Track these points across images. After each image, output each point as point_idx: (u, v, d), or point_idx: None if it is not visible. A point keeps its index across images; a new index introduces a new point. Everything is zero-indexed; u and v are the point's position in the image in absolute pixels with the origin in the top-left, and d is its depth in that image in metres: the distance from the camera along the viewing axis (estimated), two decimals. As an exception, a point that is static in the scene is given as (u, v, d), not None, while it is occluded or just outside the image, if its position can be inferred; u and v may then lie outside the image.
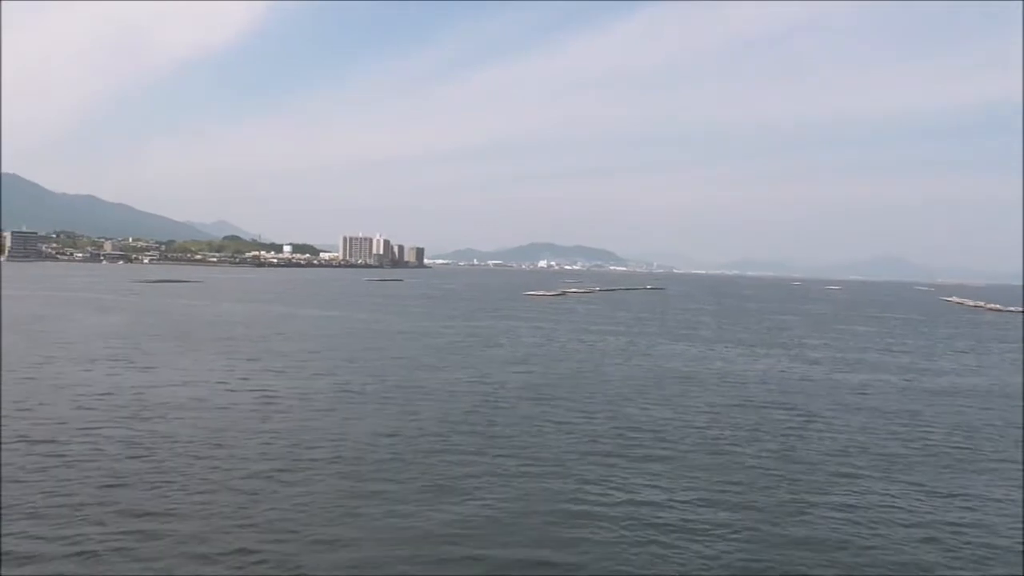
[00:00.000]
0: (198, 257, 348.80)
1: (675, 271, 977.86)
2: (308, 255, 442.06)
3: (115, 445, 18.82)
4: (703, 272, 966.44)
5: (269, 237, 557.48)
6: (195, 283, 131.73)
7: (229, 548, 12.61)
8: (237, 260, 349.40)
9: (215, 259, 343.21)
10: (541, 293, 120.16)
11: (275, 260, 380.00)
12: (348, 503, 14.97)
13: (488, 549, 12.90)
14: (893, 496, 16.47)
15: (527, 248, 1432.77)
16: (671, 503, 15.53)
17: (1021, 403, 29.34)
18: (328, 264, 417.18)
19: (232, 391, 26.90)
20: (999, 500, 16.52)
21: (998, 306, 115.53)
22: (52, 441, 18.96)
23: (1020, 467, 19.35)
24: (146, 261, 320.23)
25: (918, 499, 16.36)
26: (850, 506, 15.70)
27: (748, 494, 16.30)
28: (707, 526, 14.26)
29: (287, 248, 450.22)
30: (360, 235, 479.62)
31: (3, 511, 13.82)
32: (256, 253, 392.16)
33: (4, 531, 12.93)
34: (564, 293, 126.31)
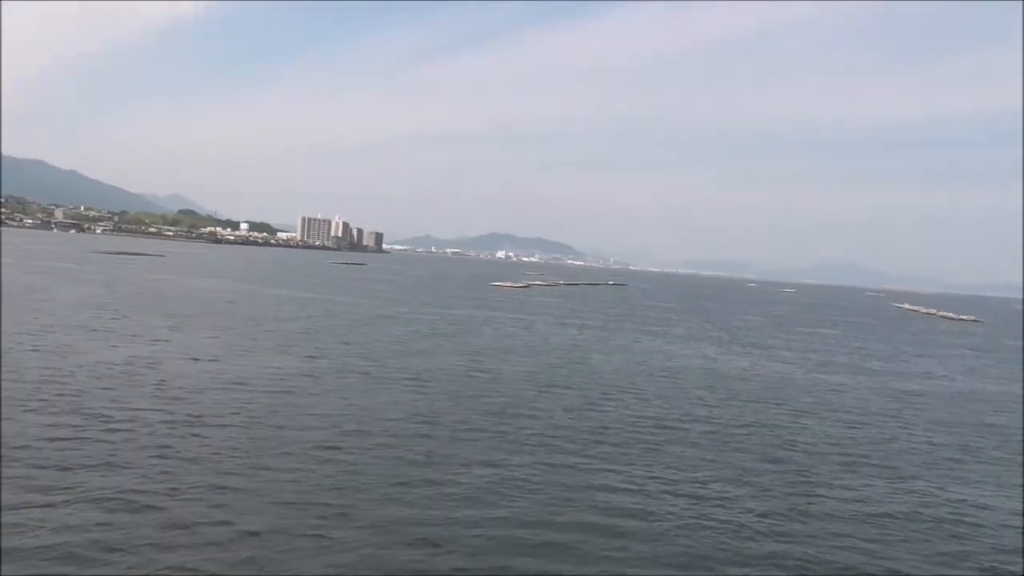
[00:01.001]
0: (152, 230, 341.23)
1: (631, 268, 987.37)
2: (265, 234, 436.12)
3: (166, 422, 19.25)
4: (659, 270, 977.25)
5: (225, 214, 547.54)
6: (157, 257, 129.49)
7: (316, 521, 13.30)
8: (193, 235, 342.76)
9: (171, 233, 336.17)
10: (508, 284, 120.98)
11: (232, 237, 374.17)
12: (407, 478, 15.77)
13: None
14: (892, 490, 17.82)
15: (486, 238, 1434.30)
16: (689, 490, 16.62)
17: (991, 405, 31.26)
18: (286, 244, 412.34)
19: (246, 367, 27.26)
20: (998, 491, 17.98)
21: (951, 314, 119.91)
22: (102, 416, 19.30)
23: (1016, 466, 20.95)
24: (99, 231, 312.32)
25: (912, 492, 17.73)
26: (855, 500, 16.95)
27: (761, 483, 17.49)
28: (726, 511, 15.36)
29: (244, 226, 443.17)
30: (319, 216, 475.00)
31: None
32: (213, 229, 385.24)
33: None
34: (529, 285, 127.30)
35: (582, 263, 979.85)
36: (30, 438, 16.41)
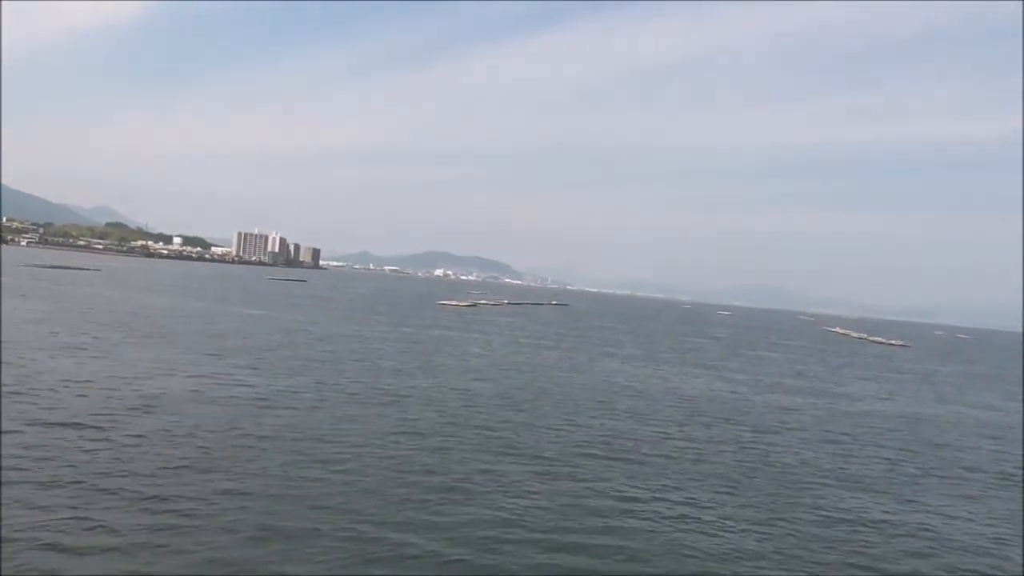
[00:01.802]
0: (81, 243, 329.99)
1: (569, 287, 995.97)
2: (199, 248, 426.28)
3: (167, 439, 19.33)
4: (595, 290, 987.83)
5: (156, 227, 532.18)
6: (93, 271, 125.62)
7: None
8: (124, 249, 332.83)
9: (100, 246, 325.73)
10: (454, 303, 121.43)
11: (166, 252, 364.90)
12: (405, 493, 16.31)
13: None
14: (861, 504, 19.18)
15: (423, 256, 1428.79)
16: (669, 505, 17.63)
17: (936, 426, 33.36)
18: (221, 259, 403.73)
19: (221, 385, 27.28)
20: (968, 504, 19.51)
21: (881, 339, 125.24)
22: (95, 427, 19.26)
23: (963, 481, 22.64)
24: (24, 243, 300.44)
25: (881, 504, 19.12)
26: (828, 517, 18.22)
27: (743, 494, 18.62)
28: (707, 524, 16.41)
29: (177, 240, 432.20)
30: (256, 231, 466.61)
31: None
32: (145, 243, 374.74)
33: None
34: (475, 304, 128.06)
35: (520, 282, 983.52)
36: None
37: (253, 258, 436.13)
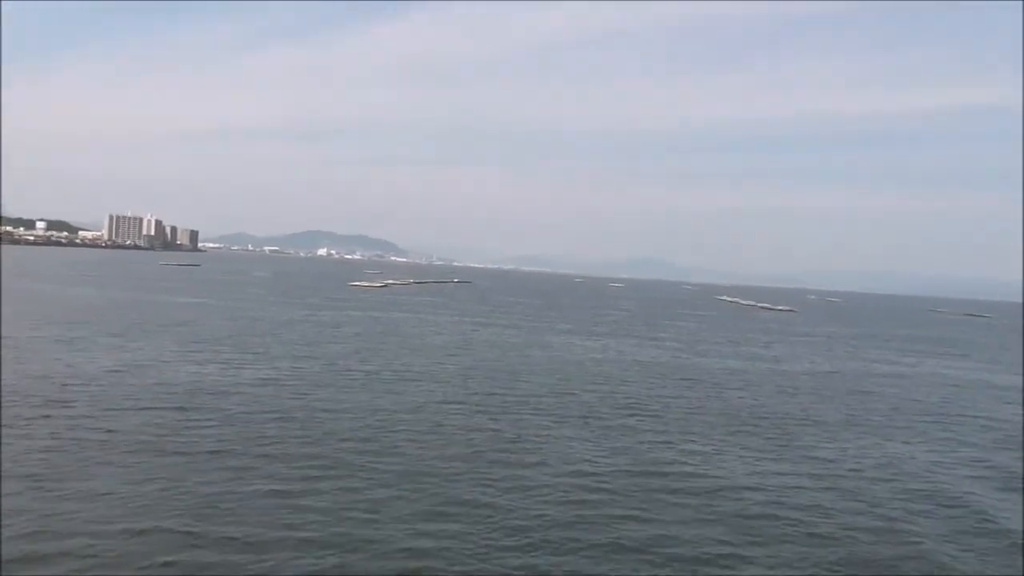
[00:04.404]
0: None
1: (455, 264, 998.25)
2: (67, 233, 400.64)
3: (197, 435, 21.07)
4: (482, 266, 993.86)
5: (14, 211, 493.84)
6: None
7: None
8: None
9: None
10: (366, 284, 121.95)
11: (31, 238, 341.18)
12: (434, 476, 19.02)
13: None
14: (847, 439, 23.37)
15: (303, 235, 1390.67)
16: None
17: (855, 380, 38.70)
18: (93, 244, 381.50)
19: (222, 375, 28.36)
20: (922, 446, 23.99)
21: (769, 305, 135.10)
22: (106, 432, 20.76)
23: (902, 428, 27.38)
24: None
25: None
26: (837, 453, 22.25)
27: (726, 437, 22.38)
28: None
29: (40, 224, 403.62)
30: (129, 214, 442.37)
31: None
32: (8, 229, 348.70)
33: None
34: (387, 284, 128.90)
35: (405, 260, 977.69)
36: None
37: (128, 242, 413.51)
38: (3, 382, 23.28)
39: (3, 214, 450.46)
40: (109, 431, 18.61)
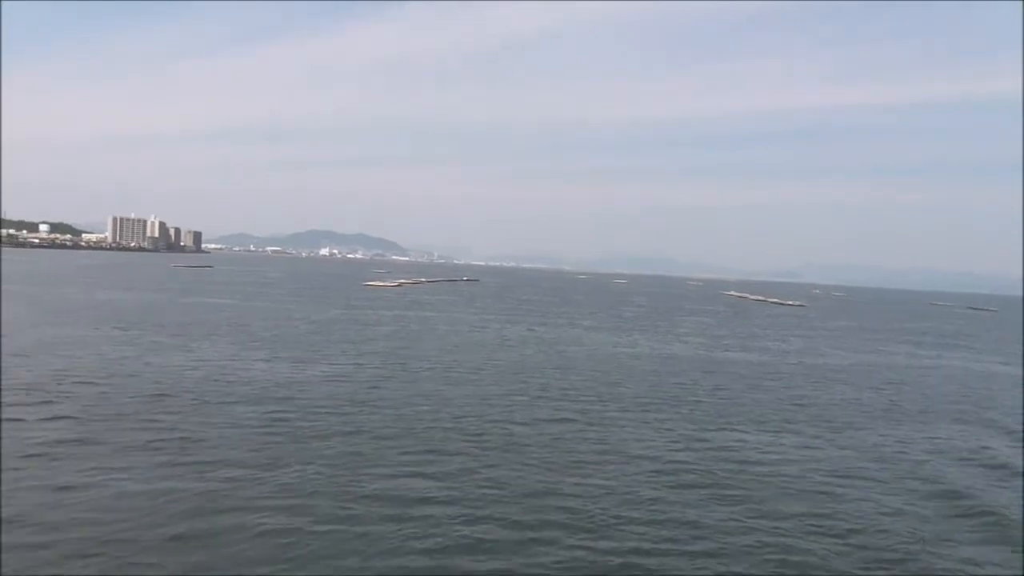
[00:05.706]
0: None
1: (456, 262, 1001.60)
2: (70, 236, 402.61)
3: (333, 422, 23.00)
4: (483, 264, 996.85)
5: (16, 214, 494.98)
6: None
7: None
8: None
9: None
10: (382, 284, 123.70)
11: (36, 241, 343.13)
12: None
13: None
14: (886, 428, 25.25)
15: (305, 235, 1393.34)
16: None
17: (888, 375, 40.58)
18: (98, 247, 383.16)
19: (296, 373, 30.40)
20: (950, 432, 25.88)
21: (778, 299, 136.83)
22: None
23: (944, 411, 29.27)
24: None
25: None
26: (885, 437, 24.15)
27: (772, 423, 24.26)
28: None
29: (44, 227, 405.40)
30: (133, 216, 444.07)
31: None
32: (14, 232, 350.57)
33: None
34: (402, 284, 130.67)
35: (407, 259, 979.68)
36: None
37: (132, 244, 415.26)
38: (110, 382, 25.22)
39: (4, 216, 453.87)
40: (260, 422, 20.60)
